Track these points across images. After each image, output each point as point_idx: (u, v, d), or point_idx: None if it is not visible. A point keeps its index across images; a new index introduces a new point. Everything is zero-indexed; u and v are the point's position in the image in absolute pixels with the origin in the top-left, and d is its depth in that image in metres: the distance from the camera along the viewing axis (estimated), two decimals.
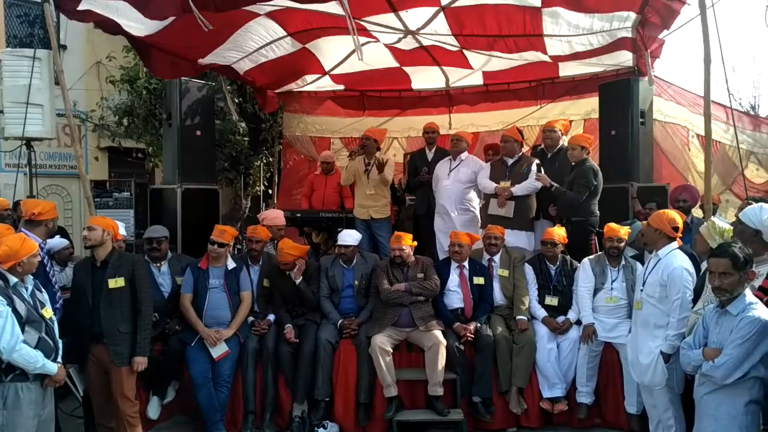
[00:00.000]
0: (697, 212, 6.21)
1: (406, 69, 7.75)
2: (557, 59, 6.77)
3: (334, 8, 5.32)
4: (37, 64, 5.73)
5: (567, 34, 6.07)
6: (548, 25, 5.95)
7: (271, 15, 5.97)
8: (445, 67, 7.71)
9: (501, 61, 7.08)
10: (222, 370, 4.83)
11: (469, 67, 7.41)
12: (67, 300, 4.52)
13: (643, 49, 5.85)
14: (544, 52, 6.60)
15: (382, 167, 6.22)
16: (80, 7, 4.82)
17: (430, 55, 7.19)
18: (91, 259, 4.29)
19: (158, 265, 5.11)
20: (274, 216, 6.10)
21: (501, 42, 6.41)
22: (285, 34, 6.46)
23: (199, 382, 4.77)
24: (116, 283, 4.17)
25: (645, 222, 4.29)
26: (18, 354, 3.43)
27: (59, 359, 3.73)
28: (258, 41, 6.47)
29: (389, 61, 7.36)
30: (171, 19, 5.23)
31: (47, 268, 4.33)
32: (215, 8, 4.70)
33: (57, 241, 5.13)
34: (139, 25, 5.32)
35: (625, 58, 6.73)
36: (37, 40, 10.05)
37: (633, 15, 5.61)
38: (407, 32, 6.40)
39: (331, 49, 7.10)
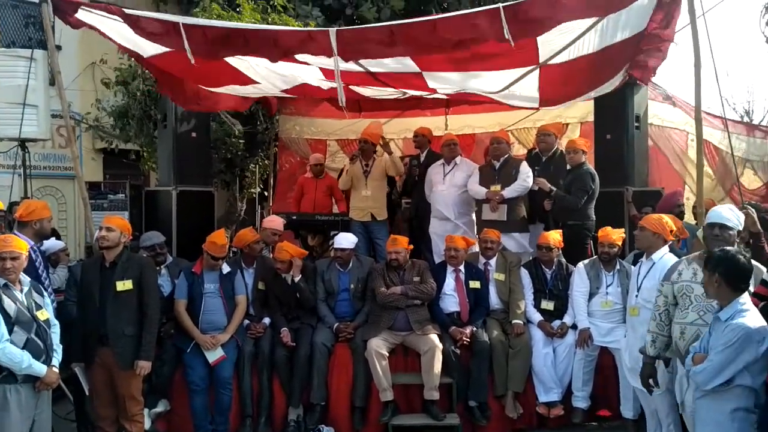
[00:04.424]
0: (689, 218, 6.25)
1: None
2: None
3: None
4: (32, 65, 5.69)
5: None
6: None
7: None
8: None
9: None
10: (222, 374, 4.82)
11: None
12: (68, 300, 4.51)
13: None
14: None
15: (388, 146, 6.44)
16: (78, 16, 4.81)
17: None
18: (100, 259, 4.26)
19: (158, 268, 5.09)
20: (271, 219, 6.11)
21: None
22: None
23: (197, 387, 4.76)
24: (124, 285, 4.14)
25: (639, 226, 4.32)
26: (2, 352, 3.41)
27: (54, 363, 3.70)
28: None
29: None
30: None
31: (39, 271, 4.30)
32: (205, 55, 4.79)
33: (52, 243, 5.10)
34: (137, 45, 5.32)
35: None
36: (34, 41, 9.98)
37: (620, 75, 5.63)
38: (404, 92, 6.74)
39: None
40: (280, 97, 7.51)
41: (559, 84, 5.38)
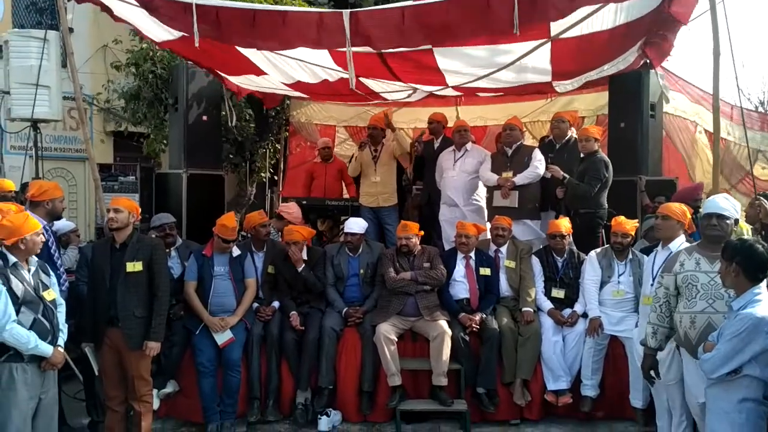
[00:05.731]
0: None
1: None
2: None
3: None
4: (45, 46, 5.69)
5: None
6: (559, 86, 6.32)
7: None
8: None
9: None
10: (231, 356, 4.82)
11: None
12: (78, 280, 4.53)
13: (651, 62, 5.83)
14: (554, 93, 7.03)
15: (391, 125, 6.46)
16: None
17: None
18: (111, 240, 4.26)
19: (168, 250, 5.09)
20: (292, 210, 6.12)
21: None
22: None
23: (205, 369, 4.77)
24: (134, 266, 4.13)
25: (661, 215, 4.28)
26: (9, 333, 3.40)
27: (60, 343, 3.70)
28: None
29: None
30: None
31: (52, 251, 4.32)
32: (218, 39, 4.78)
33: (64, 224, 5.12)
34: (149, 31, 5.30)
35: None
36: (45, 27, 9.99)
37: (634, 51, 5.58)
38: (414, 89, 6.65)
39: None
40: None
41: (572, 57, 5.33)
